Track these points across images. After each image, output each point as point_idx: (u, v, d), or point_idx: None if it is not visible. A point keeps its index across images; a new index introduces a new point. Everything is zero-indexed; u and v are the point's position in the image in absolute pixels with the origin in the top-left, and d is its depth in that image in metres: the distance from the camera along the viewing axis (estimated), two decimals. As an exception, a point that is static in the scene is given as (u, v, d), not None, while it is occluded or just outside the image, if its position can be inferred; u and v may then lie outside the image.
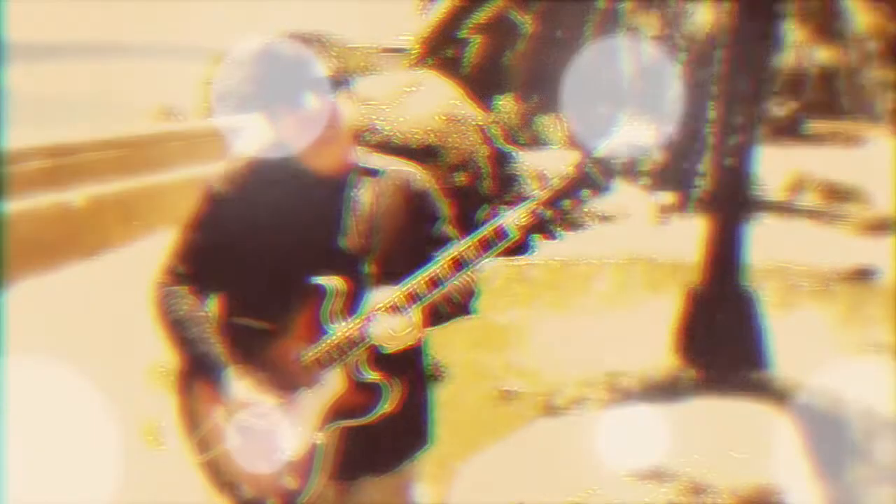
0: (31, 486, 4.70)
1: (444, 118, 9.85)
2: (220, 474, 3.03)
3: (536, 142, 14.22)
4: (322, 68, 2.94)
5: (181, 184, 9.92)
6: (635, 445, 5.39)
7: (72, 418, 5.19)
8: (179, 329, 3.02)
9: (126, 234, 9.03)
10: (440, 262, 2.91)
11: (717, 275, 6.77)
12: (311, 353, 2.98)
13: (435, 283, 2.92)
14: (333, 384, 3.00)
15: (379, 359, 2.99)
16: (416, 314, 2.94)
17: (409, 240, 3.10)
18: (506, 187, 10.20)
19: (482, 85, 13.96)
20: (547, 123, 14.80)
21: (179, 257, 3.07)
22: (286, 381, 3.00)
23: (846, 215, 12.11)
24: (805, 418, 5.74)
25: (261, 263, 3.03)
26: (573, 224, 2.94)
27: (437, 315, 3.04)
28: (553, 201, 2.92)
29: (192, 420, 3.07)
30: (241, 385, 2.95)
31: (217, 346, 2.99)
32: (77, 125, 9.47)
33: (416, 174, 3.17)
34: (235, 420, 2.97)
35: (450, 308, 3.09)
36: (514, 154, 10.72)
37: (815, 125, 16.08)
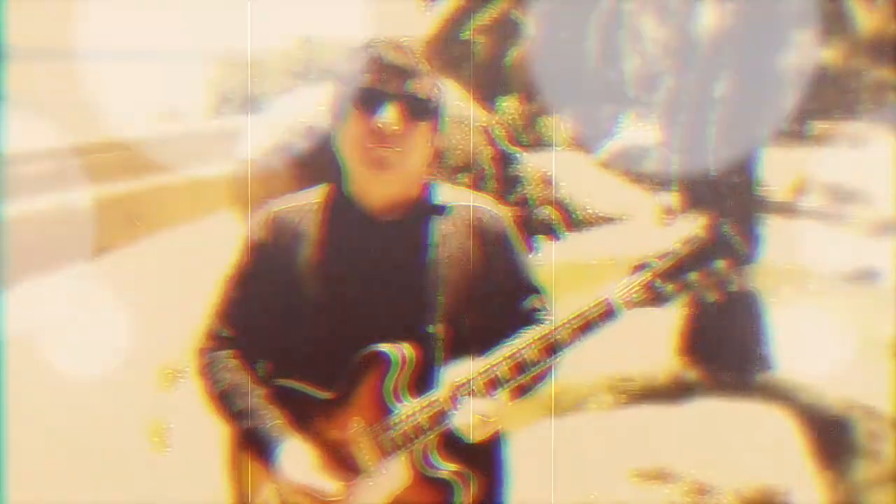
0: (32, 486, 4.70)
1: (447, 119, 9.86)
2: None
3: (540, 143, 14.21)
4: (416, 86, 2.59)
5: (185, 185, 9.92)
6: (639, 446, 5.39)
7: (75, 420, 5.19)
8: (228, 401, 2.68)
9: (129, 236, 9.02)
10: (529, 343, 2.55)
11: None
12: (371, 435, 2.59)
13: (521, 367, 2.55)
14: (396, 474, 2.59)
15: (452, 446, 2.60)
16: (505, 398, 2.58)
17: (481, 293, 2.69)
18: (509, 189, 10.20)
19: (485, 85, 13.96)
20: (550, 124, 14.80)
21: (222, 318, 2.73)
22: (341, 461, 2.61)
23: (850, 217, 12.10)
24: (809, 419, 5.73)
25: (314, 320, 2.64)
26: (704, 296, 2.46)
27: (522, 391, 2.66)
28: (676, 273, 2.55)
29: (241, 495, 2.72)
30: (296, 463, 2.59)
31: (270, 419, 2.62)
32: (79, 127, 9.46)
33: (490, 210, 2.78)
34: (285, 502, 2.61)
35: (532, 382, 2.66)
36: (517, 155, 10.72)
37: (820, 126, 16.07)
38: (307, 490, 2.58)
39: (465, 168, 9.83)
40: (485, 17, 15.55)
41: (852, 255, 9.72)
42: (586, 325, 2.54)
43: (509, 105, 15.00)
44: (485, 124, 10.31)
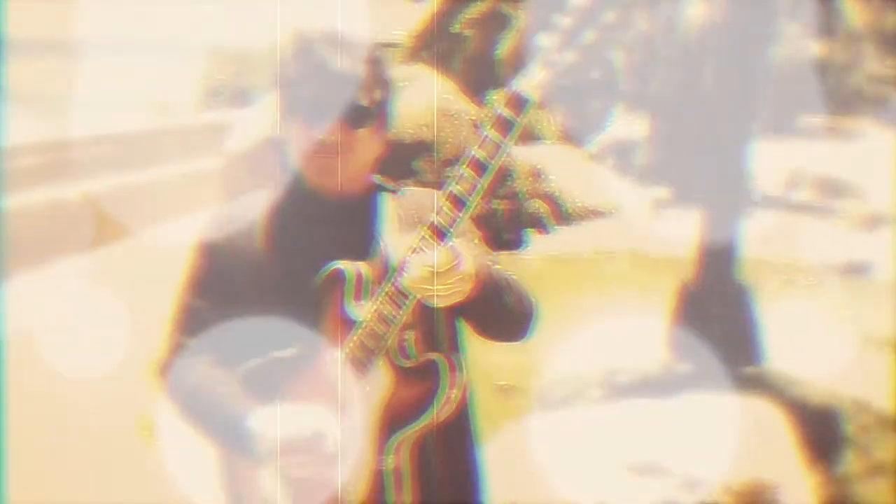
0: (30, 483, 4.70)
1: (437, 113, 9.84)
2: None
3: (529, 136, 14.20)
4: (361, 94, 2.50)
5: (176, 179, 9.91)
6: (629, 441, 5.39)
7: (70, 413, 5.18)
8: (196, 400, 2.56)
9: (122, 229, 9.00)
10: (459, 173, 2.46)
11: (710, 270, 6.77)
12: (342, 353, 2.50)
13: (458, 200, 2.43)
14: (378, 381, 2.50)
15: (425, 337, 2.53)
16: (467, 257, 2.44)
17: None
18: (499, 182, 10.19)
19: (475, 79, 13.96)
20: (540, 118, 14.79)
21: (183, 328, 2.65)
22: (327, 400, 2.49)
23: (841, 210, 12.12)
24: (800, 413, 5.74)
25: (282, 303, 2.54)
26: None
27: (497, 289, 2.53)
28: (569, 40, 2.41)
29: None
30: (277, 427, 2.44)
31: (241, 402, 2.49)
32: (73, 121, 9.45)
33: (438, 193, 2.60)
34: (282, 474, 2.47)
35: (511, 298, 2.57)
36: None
37: (810, 120, 16.07)
38: (301, 448, 2.47)
39: (456, 162, 9.83)
40: (475, 10, 15.53)
41: (844, 249, 9.73)
42: (502, 123, 2.43)
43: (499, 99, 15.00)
44: (474, 118, 10.30)
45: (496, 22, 15.70)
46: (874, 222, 11.32)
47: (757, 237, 7.45)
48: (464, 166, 2.45)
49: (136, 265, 7.74)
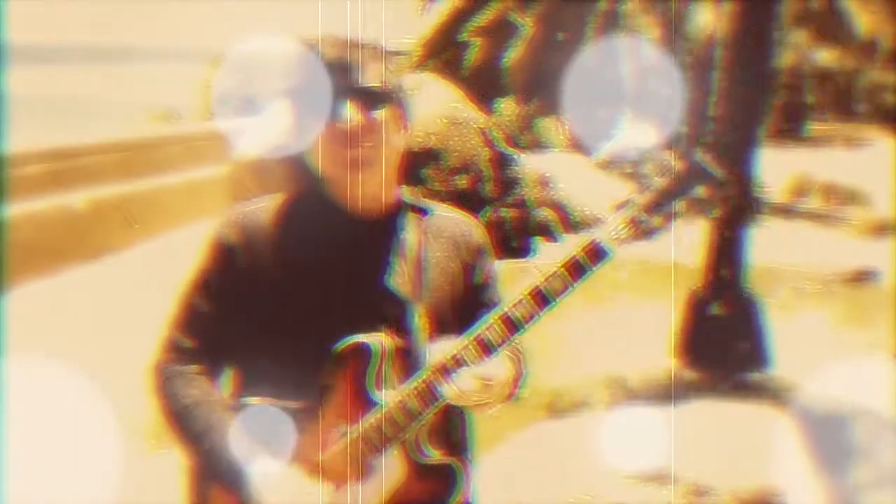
0: (32, 487, 4.70)
1: (445, 121, 9.86)
2: None
3: (538, 144, 14.21)
4: (366, 76, 2.40)
5: (182, 187, 9.93)
6: (637, 447, 5.38)
7: (74, 421, 5.18)
8: (186, 420, 2.39)
9: (127, 237, 9.02)
10: (519, 299, 2.32)
11: (718, 277, 6.77)
12: (356, 432, 2.35)
13: (513, 325, 2.32)
14: (390, 472, 2.36)
15: (441, 435, 2.40)
16: (508, 362, 2.38)
17: (459, 293, 2.49)
18: (507, 190, 10.20)
19: (483, 87, 13.97)
20: (548, 126, 14.79)
21: (184, 328, 2.46)
22: (328, 472, 2.35)
23: (847, 217, 12.11)
24: (806, 420, 5.73)
25: (289, 326, 2.40)
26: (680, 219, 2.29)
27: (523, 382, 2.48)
28: (659, 205, 2.36)
29: None
30: (273, 484, 2.32)
31: (235, 437, 2.34)
32: (77, 128, 9.47)
33: (470, 222, 2.59)
34: None
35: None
36: (515, 157, 10.72)
37: (817, 127, 16.08)
38: None
39: (463, 170, 9.83)
40: (482, 19, 15.55)
41: (850, 257, 9.73)
42: (577, 268, 2.33)
43: (507, 107, 15.00)
44: (482, 126, 10.31)
45: (503, 31, 15.72)
46: (882, 229, 11.31)
47: (764, 245, 7.45)
48: (525, 292, 2.32)
49: (140, 272, 7.75)
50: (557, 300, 2.33)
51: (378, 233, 2.46)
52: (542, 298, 2.32)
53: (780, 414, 5.89)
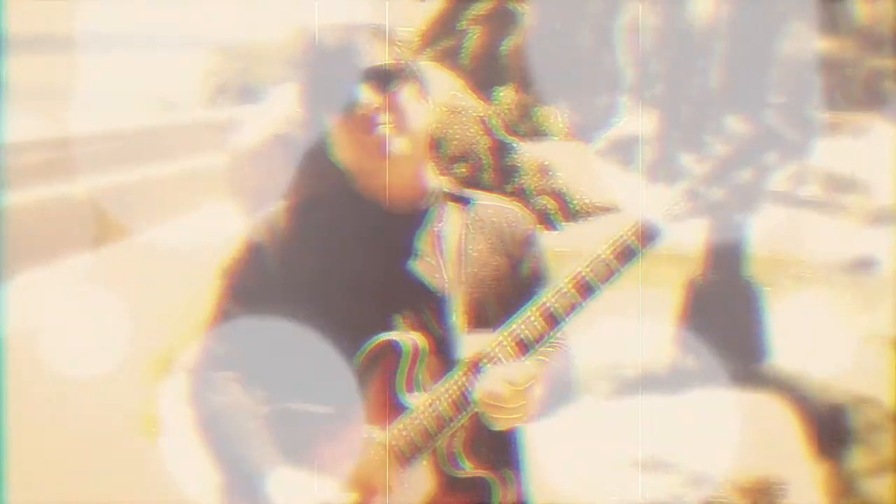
0: (31, 480, 4.70)
1: (444, 109, 9.85)
2: None
3: (537, 133, 14.19)
4: (377, 57, 2.28)
5: (182, 176, 9.91)
6: (636, 437, 5.38)
7: (71, 411, 5.18)
8: (215, 427, 2.29)
9: (126, 226, 9.00)
10: (559, 289, 2.15)
11: (718, 266, 6.77)
12: (384, 438, 2.20)
13: (553, 319, 2.14)
14: (419, 482, 2.19)
15: (478, 446, 2.23)
16: (536, 369, 2.14)
17: (507, 289, 2.34)
18: (507, 179, 10.19)
19: (482, 76, 13.95)
20: (547, 114, 14.78)
21: (216, 334, 2.35)
22: (355, 482, 2.20)
23: (847, 206, 12.10)
24: (807, 409, 5.73)
25: (322, 330, 2.25)
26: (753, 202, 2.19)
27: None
28: (721, 175, 2.15)
29: None
30: (294, 495, 2.15)
31: (263, 445, 2.22)
32: (76, 117, 9.45)
33: (516, 211, 2.46)
34: None
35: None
36: (514, 145, 10.71)
37: (817, 116, 16.04)
38: None
39: (463, 158, 9.81)
40: (481, 6, 15.51)
41: (850, 245, 9.71)
42: (625, 251, 2.13)
43: (506, 95, 14.98)
44: (482, 114, 10.29)
45: (502, 19, 15.69)
46: (881, 218, 11.29)
47: (764, 233, 7.44)
48: (566, 281, 2.14)
49: (138, 263, 7.74)
50: (602, 288, 2.16)
51: (415, 227, 2.35)
52: (585, 287, 2.15)
53: (779, 403, 5.89)
